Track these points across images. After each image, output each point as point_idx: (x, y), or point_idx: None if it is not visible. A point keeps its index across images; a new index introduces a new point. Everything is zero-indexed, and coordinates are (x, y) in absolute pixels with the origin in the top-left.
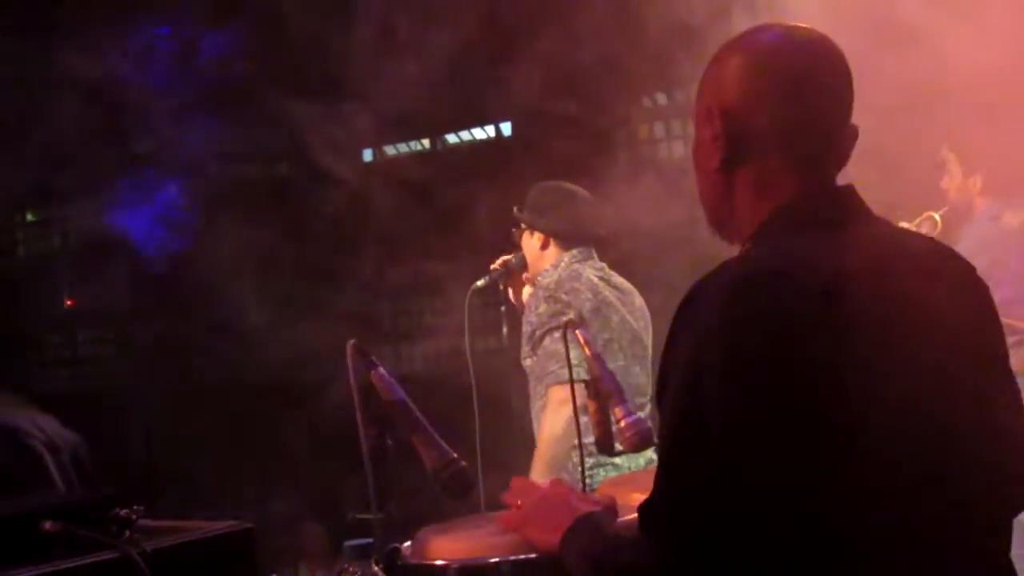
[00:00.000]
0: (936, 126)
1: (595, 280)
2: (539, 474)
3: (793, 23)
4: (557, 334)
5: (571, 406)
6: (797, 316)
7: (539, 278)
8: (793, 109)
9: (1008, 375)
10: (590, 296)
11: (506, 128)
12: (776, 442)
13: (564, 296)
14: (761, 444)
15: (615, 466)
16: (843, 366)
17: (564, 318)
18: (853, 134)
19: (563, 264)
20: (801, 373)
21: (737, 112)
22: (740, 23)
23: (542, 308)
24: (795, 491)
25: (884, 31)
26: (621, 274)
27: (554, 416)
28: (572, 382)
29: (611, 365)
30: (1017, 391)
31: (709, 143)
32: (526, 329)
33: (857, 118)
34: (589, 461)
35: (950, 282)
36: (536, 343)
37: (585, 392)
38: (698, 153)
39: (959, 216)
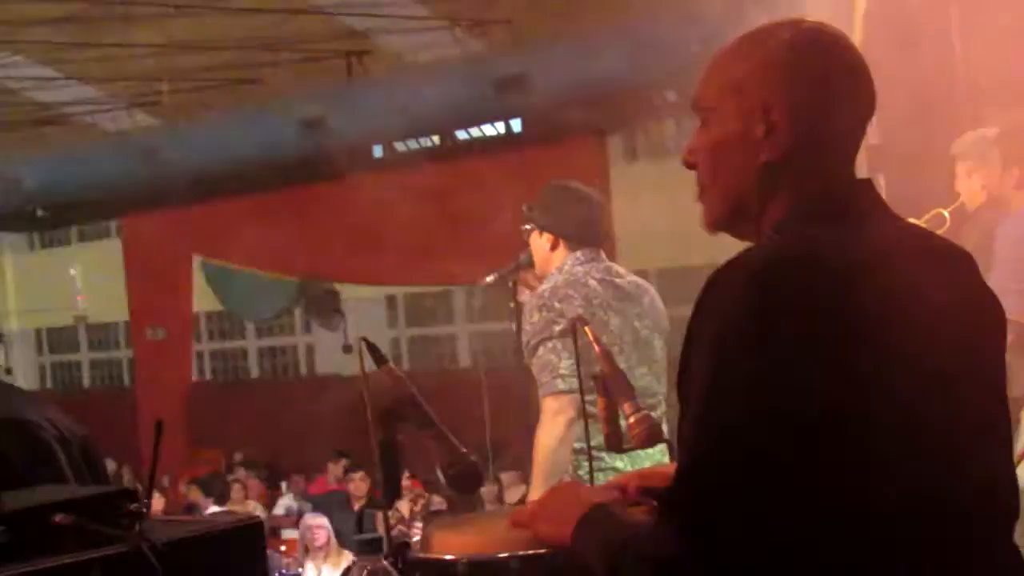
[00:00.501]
0: (950, 123)
1: (592, 284)
2: (538, 486)
3: (817, 20)
4: (550, 344)
5: (565, 417)
6: (823, 301)
7: (541, 284)
8: (848, 111)
9: (1002, 371)
10: (582, 303)
11: (516, 125)
12: (805, 424)
13: (557, 304)
14: (790, 426)
15: (616, 471)
16: (865, 351)
17: (556, 327)
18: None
19: (565, 268)
20: (827, 357)
21: (803, 112)
22: (756, 20)
23: (535, 317)
24: (823, 474)
25: (899, 30)
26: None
27: (548, 428)
28: (580, 383)
29: None
30: (1004, 388)
31: (756, 138)
32: (523, 337)
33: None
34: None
35: (962, 279)
36: (531, 352)
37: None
38: (730, 148)
39: (995, 210)
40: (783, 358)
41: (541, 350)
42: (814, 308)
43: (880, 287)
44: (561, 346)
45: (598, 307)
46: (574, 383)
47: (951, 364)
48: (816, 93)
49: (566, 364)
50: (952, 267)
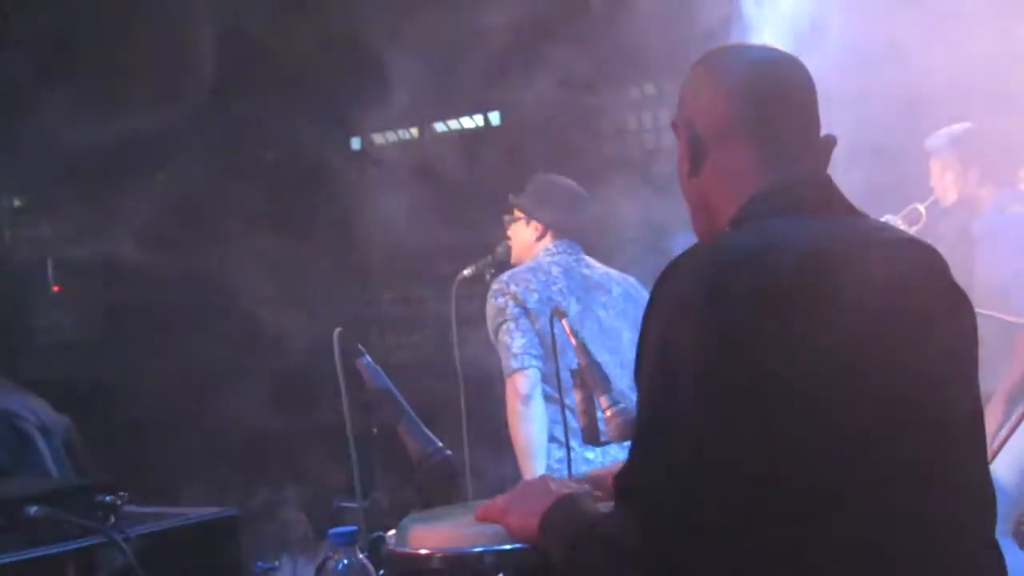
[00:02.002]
0: (929, 125)
1: (554, 271)
2: (521, 466)
3: (755, 43)
4: (505, 325)
5: (520, 395)
6: (771, 293)
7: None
8: (752, 109)
9: (972, 361)
10: (538, 287)
11: (495, 117)
12: (750, 412)
13: (513, 287)
14: (735, 414)
15: (586, 460)
16: (814, 342)
17: (509, 310)
18: (830, 142)
19: (537, 256)
20: (774, 347)
21: (697, 119)
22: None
23: (492, 303)
24: (770, 459)
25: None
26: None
27: (510, 408)
28: (558, 373)
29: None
30: (975, 380)
31: (681, 154)
32: (487, 323)
33: (861, 122)
34: (559, 455)
35: (918, 268)
36: (495, 336)
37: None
38: (678, 168)
39: (964, 209)
40: (731, 351)
41: (500, 333)
42: (761, 301)
43: (829, 280)
44: (515, 326)
45: (556, 292)
46: (525, 360)
47: (906, 357)
48: (715, 102)
49: (518, 344)
50: (911, 261)
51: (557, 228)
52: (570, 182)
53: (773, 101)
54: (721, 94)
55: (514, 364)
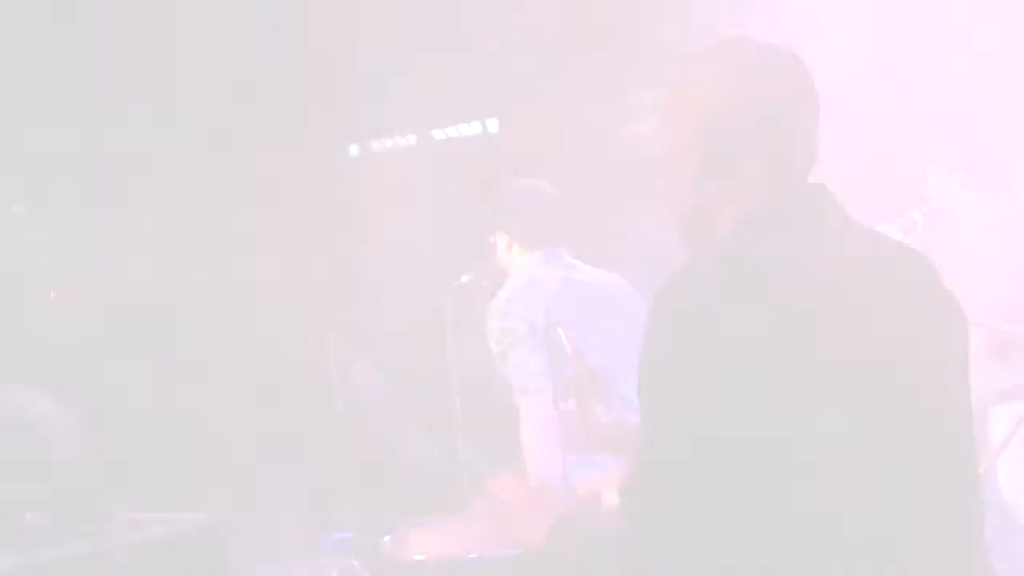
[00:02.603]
0: (921, 132)
1: (553, 283)
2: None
3: (761, 37)
4: (518, 347)
5: (535, 416)
6: (773, 307)
7: (501, 292)
8: (768, 114)
9: (963, 368)
10: (543, 303)
11: (493, 125)
12: (747, 432)
13: (519, 308)
14: (736, 423)
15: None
16: (815, 352)
17: (521, 331)
18: (814, 152)
19: (525, 270)
20: (775, 361)
21: (714, 117)
22: (726, 21)
23: (498, 324)
24: (774, 468)
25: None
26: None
27: (524, 431)
28: (555, 385)
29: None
30: (967, 388)
31: (684, 149)
32: (489, 343)
33: (854, 128)
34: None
35: (910, 278)
36: (502, 359)
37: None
38: (670, 160)
39: (957, 216)
40: (730, 363)
41: (511, 354)
42: (764, 316)
43: (829, 292)
44: (527, 347)
45: (560, 307)
46: (543, 381)
47: (900, 369)
48: (737, 104)
49: (534, 363)
50: (903, 272)
51: (522, 237)
52: (537, 185)
53: (790, 107)
54: (741, 97)
55: (531, 385)
